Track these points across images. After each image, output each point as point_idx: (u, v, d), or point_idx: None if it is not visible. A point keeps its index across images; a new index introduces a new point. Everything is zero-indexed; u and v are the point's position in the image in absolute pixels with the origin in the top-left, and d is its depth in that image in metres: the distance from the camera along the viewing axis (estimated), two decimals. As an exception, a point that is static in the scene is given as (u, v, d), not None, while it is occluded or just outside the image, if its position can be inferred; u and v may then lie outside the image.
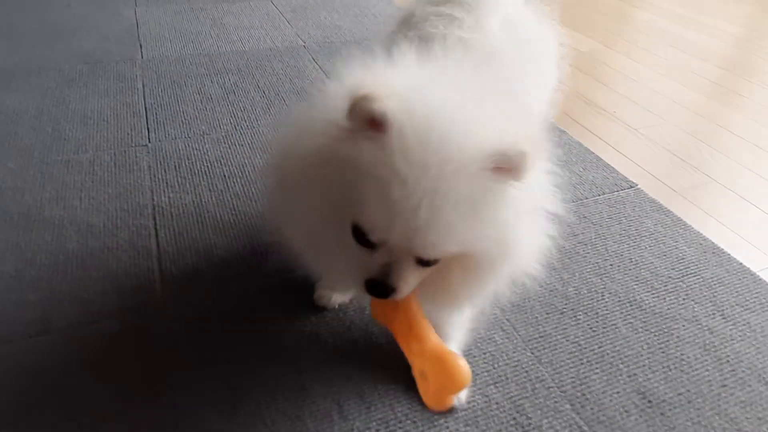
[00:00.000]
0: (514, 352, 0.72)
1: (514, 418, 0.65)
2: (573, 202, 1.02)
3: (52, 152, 1.07)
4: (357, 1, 1.98)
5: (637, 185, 1.08)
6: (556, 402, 0.67)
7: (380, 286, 0.49)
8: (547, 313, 0.79)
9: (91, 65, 1.41)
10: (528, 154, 0.44)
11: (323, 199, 0.49)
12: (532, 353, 0.72)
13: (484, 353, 0.72)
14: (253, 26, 1.73)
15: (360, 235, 0.48)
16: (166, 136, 1.14)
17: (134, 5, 1.80)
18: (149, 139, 1.13)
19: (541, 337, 0.75)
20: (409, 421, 0.63)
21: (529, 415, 0.65)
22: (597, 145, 1.23)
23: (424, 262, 0.49)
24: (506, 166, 0.44)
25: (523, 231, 0.51)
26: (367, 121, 0.44)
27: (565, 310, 0.79)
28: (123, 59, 1.45)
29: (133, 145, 1.11)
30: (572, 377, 0.70)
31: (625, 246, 0.93)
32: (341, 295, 0.76)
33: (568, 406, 0.66)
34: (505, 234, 0.48)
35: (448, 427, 0.63)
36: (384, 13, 1.89)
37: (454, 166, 0.43)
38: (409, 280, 0.50)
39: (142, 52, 1.50)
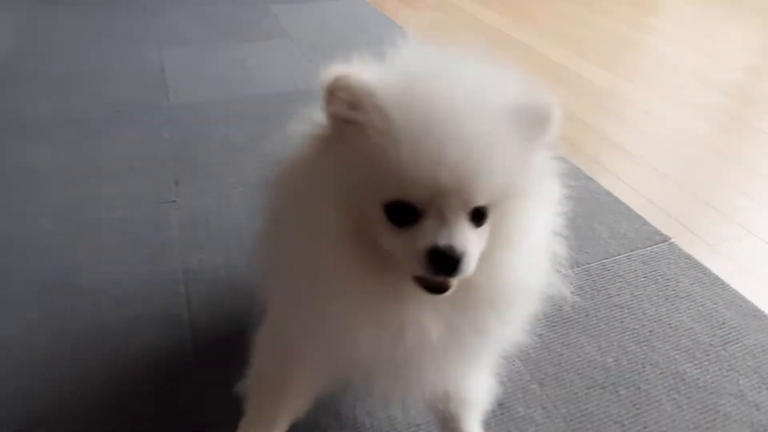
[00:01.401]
0: (556, 433, 0.71)
1: None
2: (606, 259, 1.01)
3: (84, 211, 1.08)
4: (376, 39, 1.98)
5: (670, 239, 1.06)
6: (602, 492, 0.65)
7: (447, 256, 0.41)
8: (588, 388, 0.77)
9: (118, 113, 1.43)
10: (554, 104, 0.44)
11: (336, 191, 0.44)
12: (575, 434, 0.71)
13: (525, 435, 0.71)
14: (275, 66, 1.74)
15: (399, 211, 0.42)
16: (194, 191, 1.15)
17: (159, 48, 1.83)
18: (178, 194, 1.14)
19: (583, 416, 0.73)
20: None
21: (576, 507, 0.63)
22: (626, 193, 1.21)
23: (476, 218, 0.43)
24: (534, 119, 0.44)
25: (539, 215, 0.50)
26: (354, 97, 0.42)
27: (605, 384, 0.78)
28: (149, 106, 1.47)
29: (163, 201, 1.11)
30: (618, 462, 0.68)
31: (663, 309, 0.91)
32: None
33: (615, 497, 0.64)
34: (535, 183, 0.48)
35: None
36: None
37: (486, 109, 0.42)
38: (472, 248, 0.43)
39: (168, 96, 1.52)
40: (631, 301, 0.92)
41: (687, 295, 0.94)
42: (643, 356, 0.82)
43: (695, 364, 0.81)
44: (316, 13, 2.26)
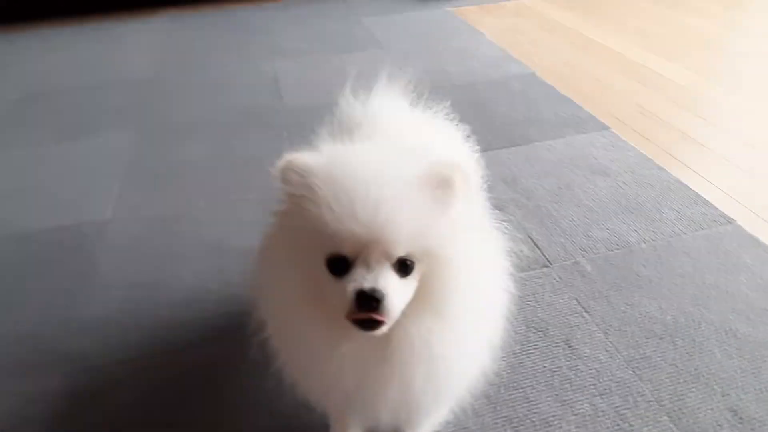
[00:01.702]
0: (617, 370, 0.86)
1: (618, 425, 0.79)
2: (671, 237, 1.13)
3: (229, 193, 1.36)
4: (460, 45, 2.18)
5: (735, 221, 1.17)
6: (655, 414, 0.80)
7: (369, 296, 0.49)
8: (647, 338, 0.91)
9: (245, 115, 1.72)
10: (456, 170, 0.51)
11: (294, 252, 0.53)
12: (634, 372, 0.86)
13: (590, 369, 0.87)
14: (371, 74, 1.97)
15: (336, 264, 0.51)
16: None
17: (272, 60, 2.13)
18: (299, 181, 1.39)
19: (641, 358, 0.88)
20: None
21: (631, 423, 0.79)
22: (695, 181, 1.31)
23: (401, 269, 0.51)
24: (439, 184, 0.51)
25: (473, 250, 0.55)
26: (298, 176, 0.51)
27: (663, 335, 0.92)
28: (269, 109, 1.75)
29: (288, 186, 1.37)
30: (670, 394, 0.82)
31: (722, 279, 1.02)
32: None
33: (665, 418, 0.79)
34: (454, 241, 0.53)
35: (561, 428, 0.79)
36: (486, 54, 2.07)
37: (392, 176, 0.50)
38: (394, 289, 0.50)
39: (283, 101, 1.79)
40: (693, 272, 1.05)
41: (747, 268, 1.05)
42: (699, 316, 0.95)
43: (748, 324, 0.93)
44: (403, 23, 2.48)
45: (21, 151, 1.60)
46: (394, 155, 0.55)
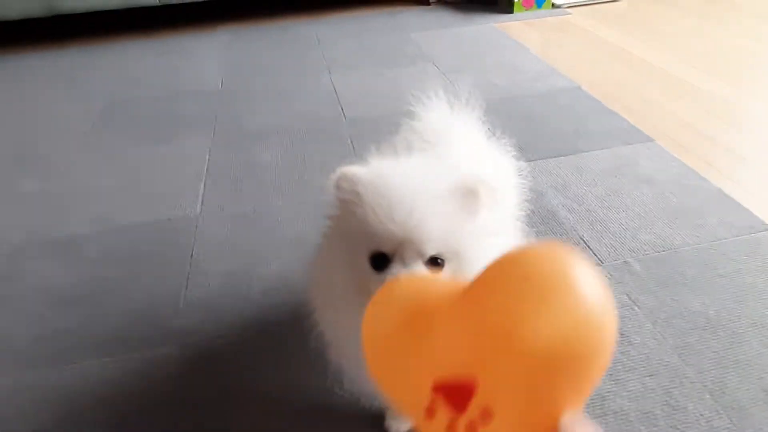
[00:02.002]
0: (664, 355, 0.97)
1: (666, 401, 0.90)
2: (714, 241, 1.23)
3: (301, 193, 1.51)
4: (507, 59, 2.30)
5: (775, 228, 1.26)
6: (698, 392, 0.90)
7: None
8: (691, 329, 1.02)
9: (310, 125, 1.88)
10: (480, 185, 0.60)
11: (344, 250, 0.63)
12: (679, 357, 0.96)
13: (640, 354, 0.98)
14: (422, 86, 2.11)
15: (378, 260, 0.59)
16: (376, 182, 1.54)
17: (329, 73, 2.29)
18: (365, 184, 1.53)
19: (686, 346, 0.98)
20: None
21: (677, 400, 0.89)
22: (736, 191, 1.40)
23: (433, 266, 0.59)
24: (465, 198, 0.60)
25: (497, 252, 0.62)
26: (348, 184, 0.61)
27: (706, 327, 1.02)
28: (332, 118, 1.91)
29: (355, 189, 1.51)
30: (712, 377, 0.93)
31: (760, 279, 1.12)
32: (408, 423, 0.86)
33: (708, 396, 0.90)
34: (480, 244, 0.61)
35: (615, 402, 0.90)
36: (532, 69, 2.18)
37: (426, 187, 0.60)
38: None
39: (344, 113, 1.95)
40: (733, 272, 1.14)
41: (785, 271, 1.14)
42: (739, 311, 1.05)
43: (785, 320, 1.03)
44: (450, 38, 2.62)
45: (114, 154, 1.80)
46: (429, 169, 0.65)
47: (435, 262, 0.60)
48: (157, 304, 1.17)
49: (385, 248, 0.59)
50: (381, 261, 0.60)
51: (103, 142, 1.88)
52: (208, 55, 2.63)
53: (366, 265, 0.60)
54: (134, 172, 1.68)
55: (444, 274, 0.60)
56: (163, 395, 0.98)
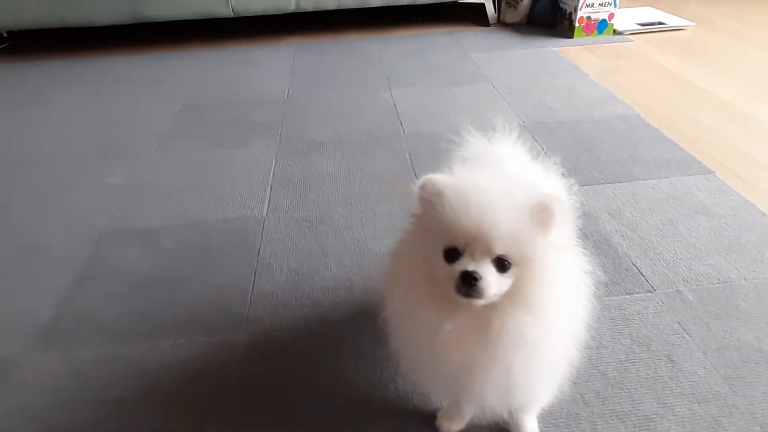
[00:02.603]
0: (714, 384, 0.98)
1: (713, 428, 0.91)
2: (758, 277, 1.23)
3: (362, 203, 1.59)
4: (565, 83, 2.33)
5: (837, 268, 1.24)
6: (748, 423, 0.91)
7: (469, 275, 0.64)
8: (743, 362, 1.03)
9: (370, 138, 1.96)
10: (556, 203, 0.64)
11: (422, 245, 0.70)
12: (730, 387, 0.98)
13: (689, 381, 0.99)
14: (480, 106, 2.17)
15: (450, 253, 0.66)
16: (432, 196, 1.60)
17: (389, 89, 2.38)
18: (422, 197, 1.60)
19: (738, 377, 0.99)
20: None
21: (726, 428, 0.91)
22: (798, 228, 1.39)
23: (499, 266, 0.65)
24: (540, 212, 0.64)
25: (560, 264, 0.68)
26: (432, 187, 0.67)
27: (759, 361, 1.02)
28: (391, 133, 1.99)
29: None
30: (763, 409, 0.93)
31: (819, 318, 1.11)
32: (460, 423, 0.93)
33: (758, 428, 0.90)
34: (545, 257, 0.66)
35: (662, 425, 0.92)
36: (590, 94, 2.21)
37: (502, 194, 0.65)
38: (490, 279, 0.64)
39: (403, 128, 2.03)
40: (790, 309, 1.14)
41: None
42: (794, 348, 1.05)
43: (843, 360, 1.02)
44: (509, 60, 2.67)
45: (188, 154, 1.93)
46: (508, 181, 0.70)
47: (502, 263, 0.65)
48: (228, 294, 1.27)
49: (458, 243, 0.65)
50: (453, 255, 0.66)
51: (178, 142, 2.03)
52: (276, 65, 2.78)
53: (440, 257, 0.67)
54: (206, 172, 1.81)
55: (508, 278, 0.66)
56: (228, 377, 1.07)
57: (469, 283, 0.64)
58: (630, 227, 1.41)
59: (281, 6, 3.00)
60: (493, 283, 0.65)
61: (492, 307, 0.67)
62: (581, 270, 0.76)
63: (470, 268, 0.64)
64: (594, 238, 1.37)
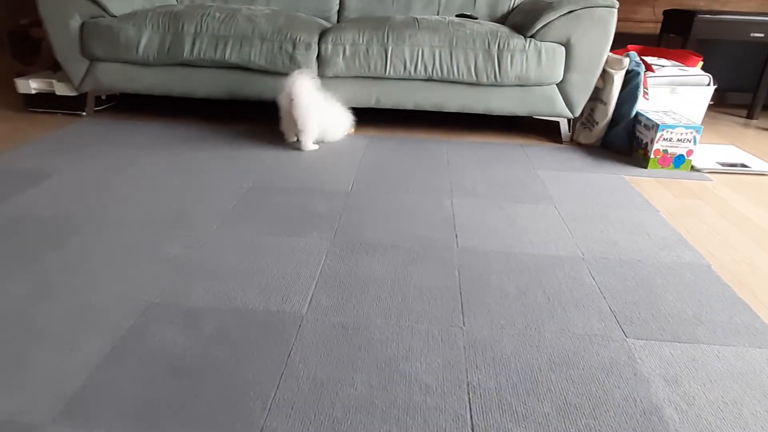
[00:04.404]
0: None
1: None
2: None
3: (400, 317, 1.56)
4: (632, 218, 2.26)
5: None
6: None
7: None
8: None
9: (422, 246, 1.96)
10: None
11: None
12: None
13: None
14: (540, 230, 2.14)
15: None
16: (475, 323, 1.55)
17: (451, 196, 2.41)
18: (463, 322, 1.55)
19: None
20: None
21: None
22: None
23: None
24: None
25: None
26: None
27: None
28: (444, 245, 1.98)
29: (453, 325, 1.53)
30: None
31: None
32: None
33: None
34: None
35: None
36: (659, 234, 2.12)
37: None
38: None
39: (457, 241, 2.02)
40: None
41: None
42: None
43: None
44: (578, 183, 2.64)
45: (246, 236, 2.01)
46: None
47: None
48: (250, 395, 1.25)
49: None
50: None
51: (239, 222, 2.12)
52: (347, 156, 2.90)
53: None
54: (258, 256, 1.86)
55: None
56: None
57: None
58: (687, 400, 1.28)
59: (363, 100, 3.19)
60: None
61: None
62: None
63: None
64: (642, 405, 1.25)
